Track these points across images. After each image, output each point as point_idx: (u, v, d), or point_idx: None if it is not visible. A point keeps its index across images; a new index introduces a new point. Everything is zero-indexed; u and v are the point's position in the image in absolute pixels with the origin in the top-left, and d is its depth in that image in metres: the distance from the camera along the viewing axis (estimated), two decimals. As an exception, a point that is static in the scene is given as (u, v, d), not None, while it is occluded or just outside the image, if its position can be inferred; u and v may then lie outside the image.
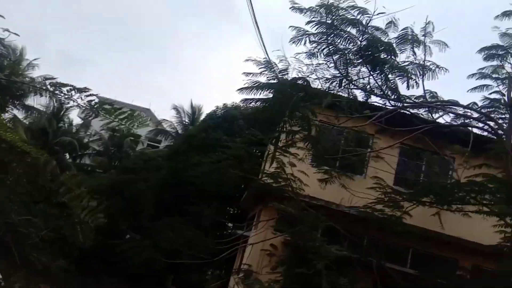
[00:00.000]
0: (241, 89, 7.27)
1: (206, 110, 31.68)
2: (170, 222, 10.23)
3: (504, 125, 7.18)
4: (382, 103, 7.71)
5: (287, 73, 6.96)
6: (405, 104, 7.47)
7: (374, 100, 7.74)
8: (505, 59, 7.36)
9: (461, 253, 10.06)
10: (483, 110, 7.61)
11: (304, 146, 8.08)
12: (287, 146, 8.33)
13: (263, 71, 6.88)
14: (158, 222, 12.33)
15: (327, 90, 7.43)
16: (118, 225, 18.00)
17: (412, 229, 8.36)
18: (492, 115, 7.57)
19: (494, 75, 7.59)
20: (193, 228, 8.99)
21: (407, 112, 7.84)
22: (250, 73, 7.10)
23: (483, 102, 7.84)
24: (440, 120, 8.11)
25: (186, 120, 26.82)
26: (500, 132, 7.14)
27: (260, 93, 7.28)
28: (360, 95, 7.73)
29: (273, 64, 6.83)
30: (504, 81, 7.52)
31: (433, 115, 7.88)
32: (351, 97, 7.58)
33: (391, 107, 7.59)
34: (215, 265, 9.36)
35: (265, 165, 12.61)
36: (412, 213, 8.42)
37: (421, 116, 8.08)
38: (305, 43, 6.80)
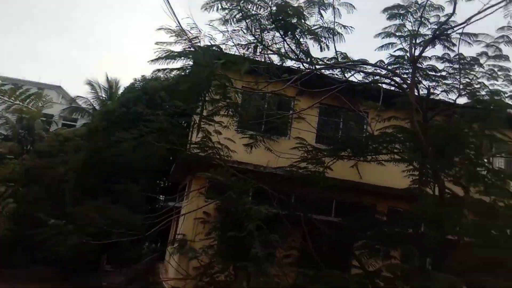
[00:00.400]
0: (154, 60, 6.96)
1: (124, 83, 30.06)
2: (95, 204, 9.80)
3: (409, 80, 7.83)
4: (297, 66, 7.94)
5: (200, 41, 6.81)
6: (318, 66, 7.77)
7: (290, 64, 7.94)
8: (405, 18, 7.89)
9: (378, 199, 11.13)
10: (389, 67, 8.17)
11: (227, 114, 8.11)
12: (211, 115, 8.29)
13: (177, 40, 6.64)
14: (82, 206, 11.78)
15: (243, 56, 7.43)
16: (37, 214, 16.80)
17: (334, 182, 8.96)
18: (398, 71, 8.17)
19: (397, 33, 8.12)
20: (121, 207, 8.72)
21: (322, 74, 8.17)
22: (164, 43, 6.82)
23: (389, 60, 8.41)
24: (353, 79, 8.59)
25: (103, 95, 25.22)
26: (405, 86, 7.78)
27: (176, 63, 7.06)
28: (276, 59, 7.87)
29: (187, 32, 6.61)
30: (406, 39, 8.10)
31: (346, 74, 8.31)
32: (268, 62, 7.68)
33: (307, 70, 7.85)
34: (149, 239, 9.26)
35: (192, 135, 12.49)
36: (333, 167, 9.03)
37: (336, 76, 8.49)
38: (217, 10, 6.66)
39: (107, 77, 25.62)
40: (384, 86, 8.88)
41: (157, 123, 9.37)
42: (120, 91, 23.31)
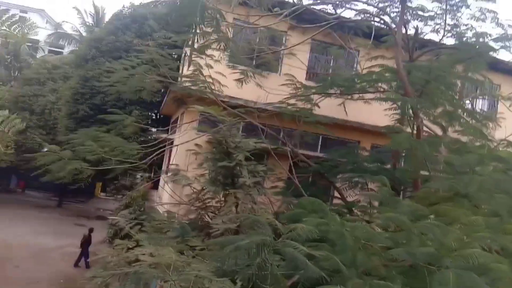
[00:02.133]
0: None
1: (109, 11, 28.75)
2: (89, 132, 10.02)
3: (397, 18, 7.85)
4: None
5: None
6: (310, 1, 7.69)
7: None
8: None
9: (363, 135, 11.63)
10: (380, 5, 8.12)
11: (218, 48, 8.13)
12: (202, 48, 8.31)
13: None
14: (75, 134, 12.02)
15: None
16: (31, 141, 17.07)
17: (321, 118, 9.30)
18: (387, 9, 8.14)
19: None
20: (115, 136, 8.98)
21: (314, 9, 8.11)
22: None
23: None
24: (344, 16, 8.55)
25: (90, 22, 24.29)
26: (393, 25, 7.82)
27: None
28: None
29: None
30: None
31: (337, 10, 8.25)
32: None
33: (298, 3, 7.77)
34: (143, 169, 9.71)
35: (183, 68, 12.47)
36: (321, 105, 9.32)
37: (328, 12, 8.43)
38: None
39: (93, 3, 24.48)
40: (374, 24, 8.90)
41: (147, 54, 9.34)
42: (107, 18, 22.44)
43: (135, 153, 7.92)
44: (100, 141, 7.71)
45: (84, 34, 23.65)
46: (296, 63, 10.19)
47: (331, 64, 11.43)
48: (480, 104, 12.69)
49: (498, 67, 9.65)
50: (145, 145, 8.95)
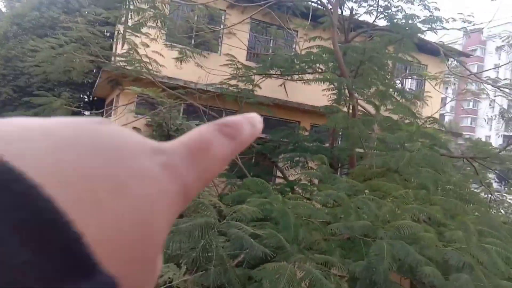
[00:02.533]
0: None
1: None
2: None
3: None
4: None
5: None
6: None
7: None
8: None
9: (303, 116, 11.93)
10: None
11: (155, 25, 7.78)
12: (137, 26, 7.89)
13: None
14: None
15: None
16: None
17: (263, 99, 9.36)
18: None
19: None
20: (44, 121, 8.33)
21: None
22: None
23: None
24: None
25: (9, -4, 21.96)
26: (329, 6, 8.00)
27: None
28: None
29: None
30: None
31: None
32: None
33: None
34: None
35: (116, 47, 11.79)
36: (262, 85, 9.36)
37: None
38: None
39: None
40: (313, 4, 9.03)
41: (76, 32, 8.71)
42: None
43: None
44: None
45: (3, 9, 21.40)
46: (236, 43, 10.09)
47: (271, 45, 11.47)
48: (409, 84, 13.55)
49: (425, 48, 10.29)
50: (78, 129, 8.40)
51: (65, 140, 0.21)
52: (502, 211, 9.01)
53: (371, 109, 8.38)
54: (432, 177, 5.11)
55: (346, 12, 8.56)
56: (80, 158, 0.21)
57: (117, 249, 0.20)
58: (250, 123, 0.31)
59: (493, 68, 21.75)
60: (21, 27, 15.63)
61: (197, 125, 4.30)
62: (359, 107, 8.23)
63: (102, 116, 10.51)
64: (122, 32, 8.27)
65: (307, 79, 9.25)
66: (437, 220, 4.36)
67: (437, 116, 8.64)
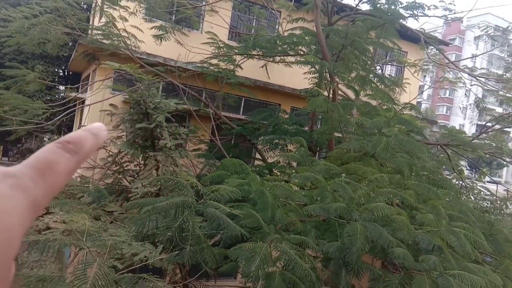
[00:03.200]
0: None
1: None
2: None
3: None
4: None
5: None
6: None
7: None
8: None
9: (283, 98, 11.91)
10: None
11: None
12: (116, -2, 7.61)
13: None
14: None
15: None
16: None
17: (244, 80, 9.27)
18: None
19: None
20: (16, 94, 7.98)
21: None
22: None
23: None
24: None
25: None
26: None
27: None
28: None
29: None
30: None
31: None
32: None
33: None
34: (51, 130, 8.87)
35: (94, 20, 11.37)
36: (243, 66, 9.25)
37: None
38: None
39: None
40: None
41: (51, 2, 8.34)
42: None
43: (40, 113, 7.18)
44: (-4, 99, 6.84)
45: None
46: (218, 21, 9.88)
47: (254, 25, 11.30)
48: (389, 70, 13.69)
49: (406, 34, 10.36)
50: (52, 104, 8.15)
51: None
52: (472, 197, 9.36)
53: (350, 94, 8.44)
54: (407, 162, 5.23)
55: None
56: None
57: None
58: (93, 134, 0.36)
59: (470, 57, 22.20)
60: (-9, -5, 14.82)
61: (176, 103, 4.20)
62: (339, 92, 8.28)
63: (78, 91, 10.22)
64: (99, 4, 7.96)
65: (289, 62, 9.20)
66: (410, 204, 4.48)
67: (414, 103, 8.78)
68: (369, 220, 3.97)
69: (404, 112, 7.46)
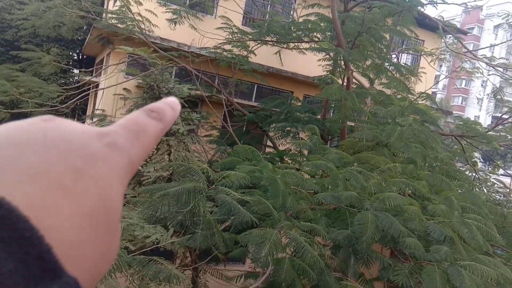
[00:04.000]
0: None
1: None
2: (1, 70, 8.91)
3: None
4: None
5: None
6: None
7: None
8: None
9: (296, 86, 11.82)
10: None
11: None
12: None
13: None
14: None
15: None
16: None
17: (257, 67, 9.21)
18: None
19: None
20: (32, 76, 8.08)
21: None
22: None
23: None
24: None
25: None
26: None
27: None
28: None
29: None
30: None
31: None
32: None
33: None
34: (65, 113, 8.97)
35: (108, 3, 11.38)
36: (257, 52, 9.18)
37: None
38: None
39: None
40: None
41: (67, -15, 8.37)
42: None
43: (55, 95, 7.26)
44: (14, 81, 6.92)
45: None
46: (232, 6, 9.79)
47: (268, 10, 11.17)
48: (405, 59, 13.44)
49: (424, 23, 10.13)
50: (67, 87, 8.23)
51: (23, 146, 0.26)
52: (485, 189, 9.24)
53: (365, 82, 8.33)
54: (421, 153, 5.17)
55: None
56: (41, 159, 0.26)
57: (82, 240, 0.26)
58: (171, 107, 0.37)
59: (489, 46, 21.65)
60: (8, -23, 14.90)
61: (189, 89, 4.21)
62: (353, 80, 8.17)
63: (92, 75, 10.29)
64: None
65: (303, 48, 9.10)
66: (422, 194, 4.45)
67: (429, 92, 8.63)
68: (380, 210, 3.95)
69: (419, 102, 7.35)
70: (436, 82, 18.25)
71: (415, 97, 7.31)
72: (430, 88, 10.20)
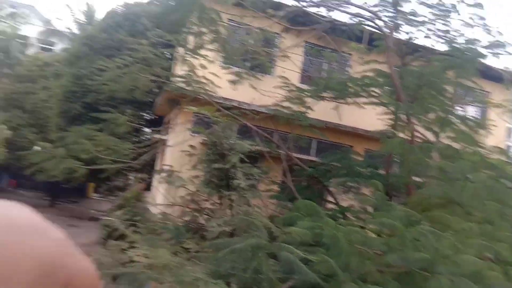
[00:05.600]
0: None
1: (102, 9, 28.49)
2: (82, 131, 9.95)
3: (390, 23, 7.92)
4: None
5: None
6: (304, 3, 7.72)
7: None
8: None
9: (356, 140, 11.70)
10: (373, 9, 8.20)
11: (213, 48, 8.12)
12: (196, 48, 8.29)
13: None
14: (67, 132, 11.86)
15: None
16: (23, 139, 16.83)
17: (315, 122, 9.33)
18: (380, 14, 8.22)
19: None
20: (108, 135, 8.87)
21: (308, 11, 8.16)
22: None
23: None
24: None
25: (81, 19, 24.04)
26: (386, 30, 7.89)
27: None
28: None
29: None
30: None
31: (331, 14, 8.31)
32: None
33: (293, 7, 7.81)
34: (136, 169, 9.62)
35: (176, 68, 12.41)
36: (314, 108, 9.35)
37: (322, 15, 8.49)
38: None
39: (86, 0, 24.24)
40: (367, 28, 8.98)
41: (141, 53, 9.30)
42: (99, 16, 22.23)
43: (128, 153, 7.85)
44: (93, 140, 7.63)
45: (76, 32, 23.38)
46: (290, 66, 10.21)
47: (325, 68, 11.48)
48: (472, 112, 12.86)
49: (489, 74, 9.78)
50: (138, 145, 8.87)
51: None
52: None
53: (430, 136, 8.04)
54: (499, 211, 4.78)
55: (403, 36, 8.42)
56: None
57: None
58: None
59: None
60: (91, 48, 16.93)
61: (250, 145, 4.41)
62: (417, 134, 7.93)
63: (161, 133, 11.03)
64: (182, 54, 8.70)
65: (361, 103, 9.11)
66: (505, 259, 4.05)
67: (502, 146, 8.10)
68: (457, 275, 3.64)
69: (491, 157, 6.90)
70: (509, 135, 17.06)
71: (486, 152, 6.89)
72: (503, 141, 9.56)
